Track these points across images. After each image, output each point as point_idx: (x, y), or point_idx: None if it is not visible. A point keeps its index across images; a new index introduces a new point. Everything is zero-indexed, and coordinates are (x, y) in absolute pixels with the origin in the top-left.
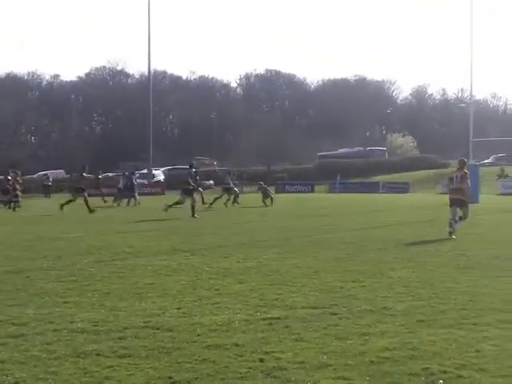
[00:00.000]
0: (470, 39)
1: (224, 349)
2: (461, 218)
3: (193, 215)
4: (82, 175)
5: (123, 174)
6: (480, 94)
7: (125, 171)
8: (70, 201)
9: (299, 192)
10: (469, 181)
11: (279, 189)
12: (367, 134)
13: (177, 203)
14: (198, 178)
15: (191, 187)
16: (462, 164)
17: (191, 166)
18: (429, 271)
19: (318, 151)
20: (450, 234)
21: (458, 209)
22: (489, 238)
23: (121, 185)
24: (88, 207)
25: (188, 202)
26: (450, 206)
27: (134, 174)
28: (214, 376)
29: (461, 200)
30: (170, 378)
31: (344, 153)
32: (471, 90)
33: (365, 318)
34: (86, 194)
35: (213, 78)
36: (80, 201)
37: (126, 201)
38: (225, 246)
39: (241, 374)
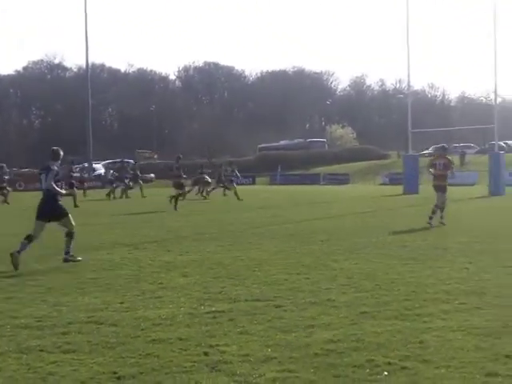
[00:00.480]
0: (407, 30)
1: (168, 343)
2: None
3: (176, 202)
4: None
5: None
6: (418, 84)
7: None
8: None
9: (240, 184)
10: (453, 167)
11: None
12: (307, 125)
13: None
14: (138, 171)
15: (182, 180)
16: (444, 151)
17: (179, 159)
18: (372, 262)
19: (259, 143)
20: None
21: (440, 193)
22: (429, 228)
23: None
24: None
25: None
26: (436, 191)
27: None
28: (159, 370)
29: (443, 186)
30: (114, 373)
31: (284, 145)
32: (409, 80)
33: (309, 310)
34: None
35: (151, 71)
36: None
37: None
38: (168, 239)
39: (185, 367)
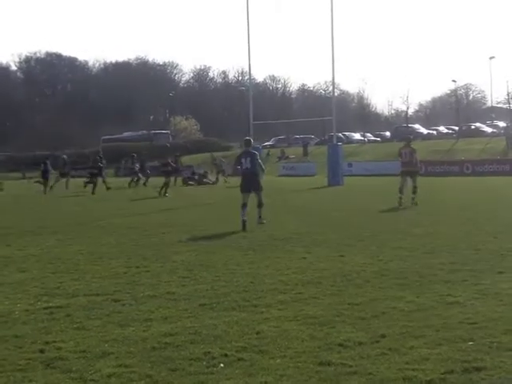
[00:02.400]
0: (247, 21)
1: (3, 340)
2: (415, 188)
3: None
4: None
5: None
6: (260, 76)
7: None
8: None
9: (83, 177)
10: (417, 155)
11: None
12: (151, 117)
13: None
14: None
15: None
16: (408, 141)
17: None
18: (212, 254)
19: (103, 135)
20: (413, 199)
21: (408, 178)
22: (269, 219)
23: None
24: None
25: None
26: (401, 176)
27: None
28: None
29: (413, 171)
30: None
31: (128, 136)
32: (250, 73)
33: (148, 304)
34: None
35: None
36: None
37: None
38: (8, 233)
39: (20, 365)
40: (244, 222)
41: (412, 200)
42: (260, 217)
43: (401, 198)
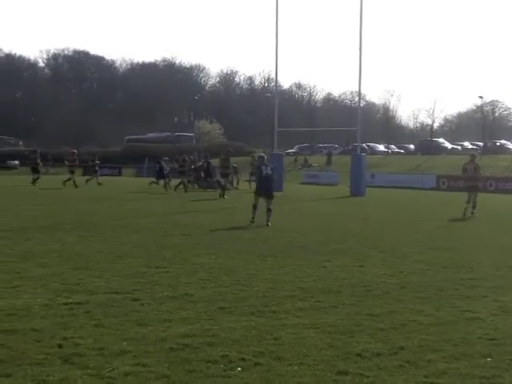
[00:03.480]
0: (276, 28)
1: (22, 334)
2: (475, 203)
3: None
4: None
5: None
6: (286, 83)
7: None
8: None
9: (106, 175)
10: (480, 171)
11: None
12: (175, 119)
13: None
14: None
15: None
16: (473, 157)
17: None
18: (232, 258)
19: (126, 135)
20: (472, 214)
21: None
22: (291, 226)
23: None
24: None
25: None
26: (468, 191)
27: None
28: (10, 362)
29: (475, 186)
30: None
31: (152, 137)
32: (276, 80)
33: (166, 305)
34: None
35: (20, 57)
36: None
37: None
38: (27, 228)
39: (38, 360)
40: (253, 219)
41: (472, 214)
42: (268, 220)
43: (466, 208)
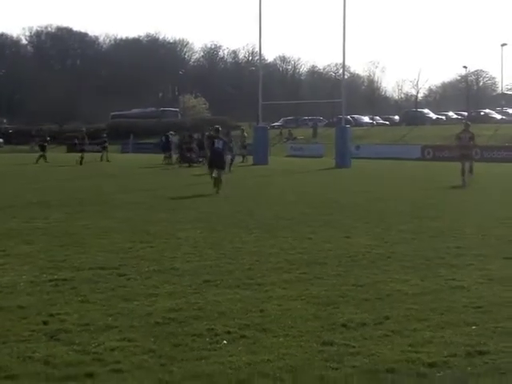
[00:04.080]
0: (259, 1)
1: (7, 311)
2: (471, 170)
3: None
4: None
5: None
6: (270, 56)
7: None
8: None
9: (90, 152)
10: (474, 140)
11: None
12: (160, 94)
13: None
14: None
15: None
16: (467, 126)
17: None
18: (217, 231)
19: (111, 111)
20: (464, 182)
21: (465, 161)
22: (276, 199)
23: None
24: None
25: None
26: (460, 160)
27: None
28: None
29: (469, 155)
30: None
31: (137, 113)
32: (260, 53)
33: (152, 279)
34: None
35: (2, 34)
36: None
37: None
38: (12, 205)
39: (24, 336)
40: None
41: (467, 179)
42: (218, 189)
43: (463, 179)
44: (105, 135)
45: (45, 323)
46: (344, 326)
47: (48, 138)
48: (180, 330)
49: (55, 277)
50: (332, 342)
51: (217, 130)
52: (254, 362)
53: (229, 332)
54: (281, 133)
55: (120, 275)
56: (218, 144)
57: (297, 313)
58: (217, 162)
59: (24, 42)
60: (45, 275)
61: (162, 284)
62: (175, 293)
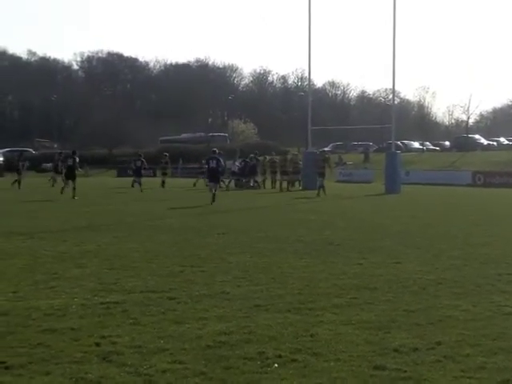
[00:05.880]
0: (308, 27)
1: (60, 333)
2: None
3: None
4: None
5: None
6: (319, 81)
7: None
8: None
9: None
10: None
11: (122, 173)
12: (209, 120)
13: None
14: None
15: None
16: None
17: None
18: (267, 256)
19: (160, 136)
20: None
21: None
22: (325, 224)
23: None
24: None
25: None
26: None
27: None
28: (49, 360)
29: None
30: (2, 362)
31: (186, 138)
32: (309, 78)
33: (203, 303)
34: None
35: (54, 60)
36: None
37: None
38: (63, 229)
39: (76, 358)
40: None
41: None
42: (214, 201)
43: None
44: (164, 160)
45: (97, 345)
46: (396, 350)
47: (22, 163)
48: (231, 353)
49: (106, 299)
50: (384, 367)
51: (213, 152)
52: None
53: (280, 356)
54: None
55: (170, 299)
56: (213, 163)
57: (348, 337)
58: (212, 178)
59: (75, 67)
60: (96, 298)
61: (212, 308)
62: (225, 316)
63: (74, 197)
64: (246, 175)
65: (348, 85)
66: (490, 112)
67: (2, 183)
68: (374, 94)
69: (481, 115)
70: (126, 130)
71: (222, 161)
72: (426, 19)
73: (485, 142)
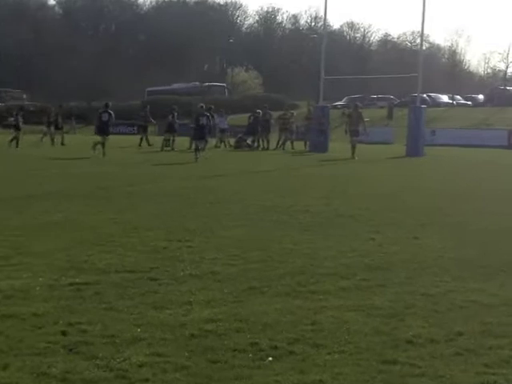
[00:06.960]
0: None
1: (20, 319)
2: None
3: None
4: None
5: None
6: (336, 23)
7: None
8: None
9: (123, 134)
10: None
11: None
12: (205, 67)
13: None
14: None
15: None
16: None
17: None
18: (266, 230)
19: (148, 86)
20: None
21: None
22: (334, 193)
23: None
24: None
25: None
26: None
27: None
28: (7, 352)
29: None
30: None
31: (178, 88)
32: (325, 18)
33: (188, 284)
34: None
35: None
36: None
37: None
38: (28, 195)
39: (39, 349)
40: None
41: None
42: (197, 157)
43: None
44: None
45: (63, 334)
46: (409, 342)
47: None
48: (219, 344)
49: (76, 280)
50: (395, 361)
51: (201, 107)
52: (304, 382)
53: (275, 347)
54: (343, 113)
55: (151, 279)
56: (203, 120)
57: (355, 326)
58: (199, 135)
59: (52, 1)
60: (64, 278)
61: (199, 290)
62: (214, 301)
63: (104, 154)
64: (253, 133)
65: (369, 26)
66: None
67: None
68: (398, 38)
69: None
70: (109, 79)
71: (211, 118)
72: None
73: None
